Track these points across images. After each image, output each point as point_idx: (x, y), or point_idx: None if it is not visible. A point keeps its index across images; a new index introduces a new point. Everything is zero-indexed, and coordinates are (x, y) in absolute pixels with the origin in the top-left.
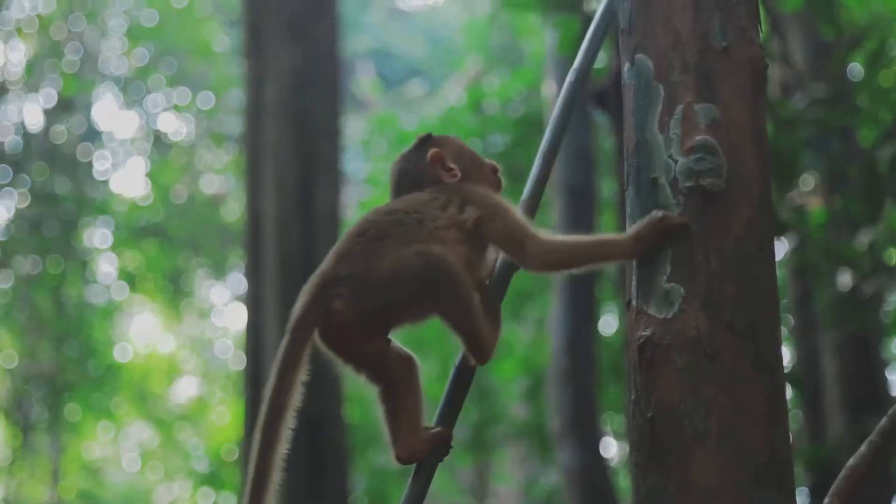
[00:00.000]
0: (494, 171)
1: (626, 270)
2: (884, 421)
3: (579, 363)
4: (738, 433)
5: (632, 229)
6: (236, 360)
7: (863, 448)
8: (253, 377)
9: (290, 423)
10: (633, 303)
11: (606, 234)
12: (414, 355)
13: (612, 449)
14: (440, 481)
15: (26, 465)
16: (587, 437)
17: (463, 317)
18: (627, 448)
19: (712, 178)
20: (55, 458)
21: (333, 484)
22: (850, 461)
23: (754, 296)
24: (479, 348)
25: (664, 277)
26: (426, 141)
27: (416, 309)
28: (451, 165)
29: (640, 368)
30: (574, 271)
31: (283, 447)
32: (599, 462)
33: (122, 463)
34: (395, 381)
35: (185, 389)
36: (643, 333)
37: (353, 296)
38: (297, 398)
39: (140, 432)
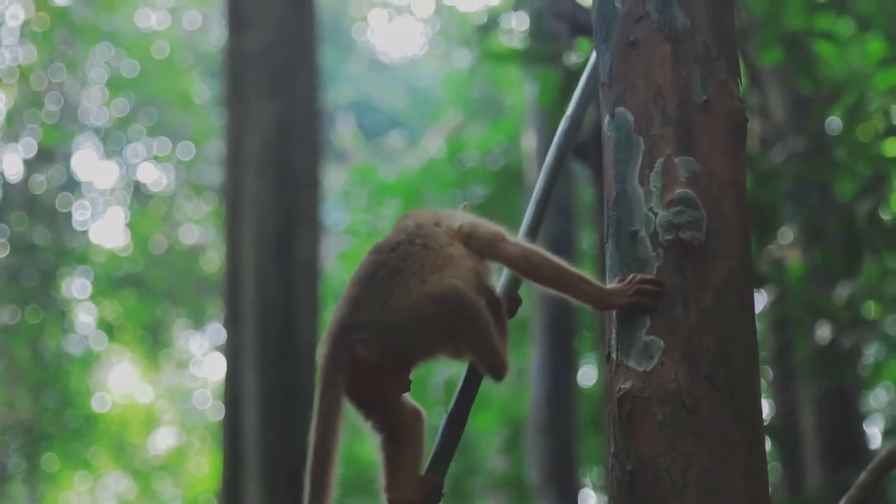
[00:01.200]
0: None
1: (606, 323)
2: (863, 475)
3: (558, 415)
4: (717, 485)
5: (612, 284)
6: (215, 411)
7: (852, 490)
8: (231, 427)
9: (335, 468)
10: (613, 355)
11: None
12: (422, 409)
13: (590, 501)
14: None
15: None
16: (566, 489)
17: (482, 341)
18: (606, 500)
19: (692, 230)
20: None
21: None
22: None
23: (734, 348)
24: (497, 365)
25: (644, 330)
26: None
27: (440, 344)
28: None
29: (619, 421)
30: (544, 284)
31: (332, 493)
32: None
33: None
34: (402, 429)
35: (164, 440)
36: (623, 386)
37: (377, 340)
38: (339, 445)
39: (118, 482)
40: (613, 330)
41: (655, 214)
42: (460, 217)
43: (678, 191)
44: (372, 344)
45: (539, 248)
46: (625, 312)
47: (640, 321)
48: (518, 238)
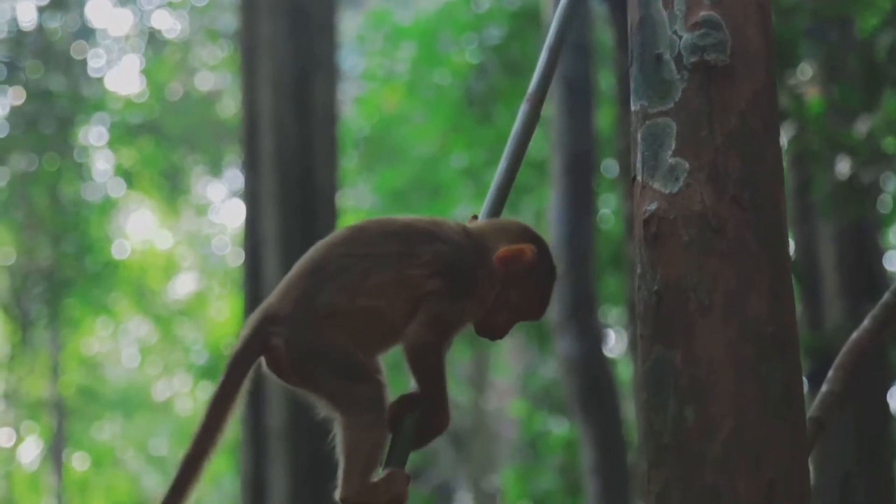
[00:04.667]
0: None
1: (630, 146)
2: (887, 295)
3: (578, 254)
4: (743, 306)
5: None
6: (234, 256)
7: (866, 322)
8: (252, 272)
9: (211, 457)
10: (639, 178)
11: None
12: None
13: (610, 340)
14: None
15: (26, 360)
16: (586, 328)
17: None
18: (626, 339)
19: (716, 53)
20: (54, 353)
21: None
22: (853, 335)
23: (759, 170)
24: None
25: (669, 152)
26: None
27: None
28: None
29: (645, 243)
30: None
31: (197, 483)
32: (598, 352)
33: (121, 358)
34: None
35: (183, 285)
36: (648, 208)
37: (289, 342)
38: (223, 434)
39: (139, 328)
40: (639, 152)
41: (680, 37)
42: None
43: (702, 13)
44: (285, 342)
45: (433, 356)
46: (650, 134)
47: (665, 144)
48: (437, 342)
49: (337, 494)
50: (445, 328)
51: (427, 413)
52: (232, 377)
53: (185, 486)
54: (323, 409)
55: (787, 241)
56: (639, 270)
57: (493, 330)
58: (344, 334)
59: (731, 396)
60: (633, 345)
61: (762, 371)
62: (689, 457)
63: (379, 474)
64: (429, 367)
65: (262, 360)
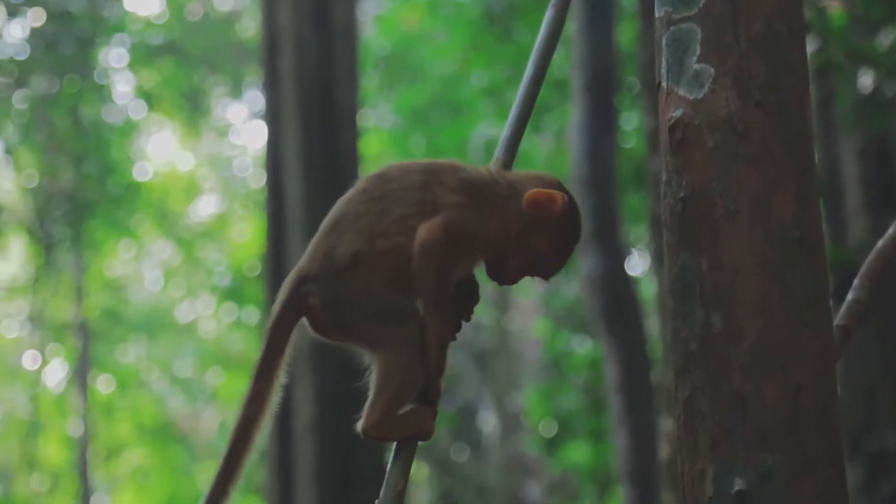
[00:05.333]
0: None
1: (655, 53)
2: None
3: (600, 171)
4: (768, 211)
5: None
6: (255, 177)
7: (891, 230)
8: (274, 192)
9: (264, 427)
10: (664, 84)
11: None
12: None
13: (633, 259)
14: None
15: (50, 283)
16: (609, 246)
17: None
18: (649, 257)
19: None
20: (78, 276)
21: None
22: (879, 244)
23: (784, 74)
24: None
25: (694, 58)
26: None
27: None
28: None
29: (670, 149)
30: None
31: (250, 452)
32: (621, 269)
33: (144, 281)
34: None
35: (206, 207)
36: (673, 114)
37: (323, 300)
38: (274, 401)
39: (162, 249)
40: (663, 59)
41: None
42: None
43: None
44: (321, 300)
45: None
46: (675, 40)
47: (690, 49)
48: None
49: (359, 426)
50: (458, 232)
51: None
52: (275, 342)
53: (240, 454)
54: (368, 358)
55: (813, 146)
56: (664, 177)
57: (504, 273)
58: (374, 279)
59: (756, 302)
60: (657, 259)
61: (788, 276)
62: (716, 363)
63: (404, 408)
64: (430, 266)
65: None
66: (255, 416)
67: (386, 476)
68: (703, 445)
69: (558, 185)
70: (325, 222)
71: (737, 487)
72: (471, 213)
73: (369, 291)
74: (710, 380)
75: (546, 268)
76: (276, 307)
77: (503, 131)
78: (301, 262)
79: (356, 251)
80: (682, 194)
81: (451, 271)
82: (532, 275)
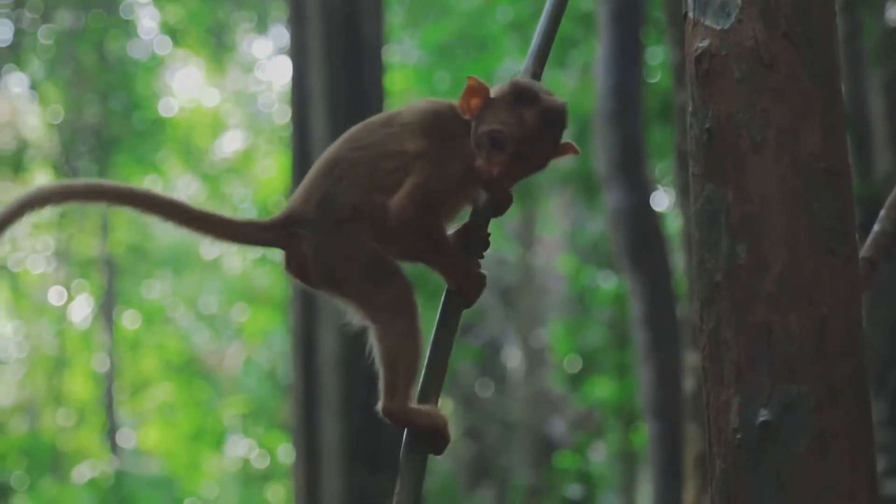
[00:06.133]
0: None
1: None
2: None
3: (626, 106)
4: (795, 141)
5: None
6: (280, 113)
7: None
8: (299, 128)
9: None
10: (690, 15)
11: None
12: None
13: (658, 195)
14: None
15: (75, 218)
16: (634, 180)
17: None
18: (674, 193)
19: None
20: (103, 211)
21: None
22: None
23: (811, 6)
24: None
25: None
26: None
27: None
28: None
29: (697, 80)
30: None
31: None
32: (646, 204)
33: None
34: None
35: (231, 143)
36: (700, 45)
37: (318, 248)
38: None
39: (187, 185)
40: None
41: None
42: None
43: None
44: (312, 247)
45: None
46: None
47: None
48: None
49: (379, 405)
50: (428, 198)
51: (452, 284)
52: (242, 234)
53: None
54: (354, 315)
55: (840, 77)
56: (690, 108)
57: (491, 181)
58: (368, 234)
59: (782, 233)
60: (682, 193)
61: (814, 206)
62: (741, 294)
63: (422, 405)
64: (420, 239)
65: (284, 260)
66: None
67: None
68: (728, 376)
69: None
70: (320, 164)
71: (761, 418)
72: (435, 164)
73: (365, 247)
74: (735, 311)
75: (502, 136)
76: (264, 221)
77: (524, 63)
78: (293, 199)
79: (356, 203)
80: (708, 125)
81: (438, 223)
82: (521, 171)
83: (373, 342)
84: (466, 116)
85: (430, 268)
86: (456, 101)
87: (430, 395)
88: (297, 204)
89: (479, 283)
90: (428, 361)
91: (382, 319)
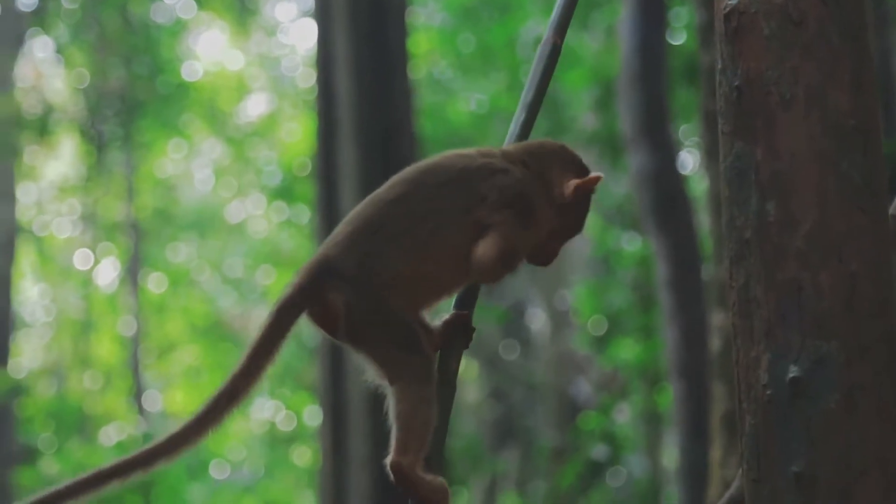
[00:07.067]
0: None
1: None
2: None
3: (650, 67)
4: (824, 99)
5: None
6: (305, 77)
7: None
8: (323, 92)
9: (244, 399)
10: None
11: None
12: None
13: (682, 157)
14: None
15: (101, 182)
16: (659, 141)
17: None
18: (698, 155)
19: None
20: (129, 175)
21: None
22: None
23: None
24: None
25: None
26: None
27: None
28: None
29: (726, 37)
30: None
31: (219, 423)
32: (672, 164)
33: (194, 180)
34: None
35: (255, 106)
36: (729, 2)
37: (353, 304)
38: (259, 385)
39: (212, 149)
40: None
41: None
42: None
43: None
44: (347, 300)
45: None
46: None
47: None
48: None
49: (388, 460)
50: (516, 253)
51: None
52: (279, 324)
53: (212, 419)
54: (373, 373)
55: (869, 35)
56: (719, 66)
57: (546, 256)
58: (405, 300)
59: (812, 190)
60: (708, 154)
61: (844, 163)
62: (771, 251)
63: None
64: (490, 286)
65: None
66: (238, 392)
67: None
68: (757, 333)
69: (577, 158)
70: (361, 219)
71: (791, 374)
72: (518, 230)
73: (400, 314)
74: (765, 267)
75: (578, 231)
76: (292, 289)
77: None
78: (330, 248)
79: (401, 269)
80: (737, 83)
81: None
82: (568, 240)
83: (390, 401)
84: (570, 200)
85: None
86: (531, 164)
87: (434, 458)
88: (335, 254)
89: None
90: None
91: (403, 384)
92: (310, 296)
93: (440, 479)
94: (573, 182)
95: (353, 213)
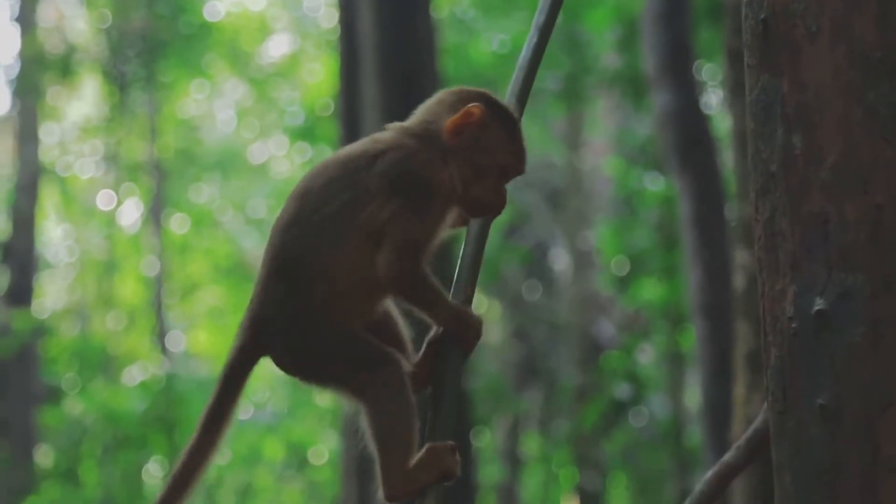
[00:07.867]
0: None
1: None
2: None
3: (674, 6)
4: (850, 30)
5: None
6: (327, 17)
7: None
8: (346, 32)
9: (203, 472)
10: None
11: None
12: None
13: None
14: (533, 132)
15: (124, 123)
16: (682, 80)
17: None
18: (722, 93)
19: None
20: (152, 115)
21: None
22: None
23: None
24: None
25: None
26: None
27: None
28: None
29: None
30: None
31: (188, 494)
32: (695, 103)
33: (217, 121)
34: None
35: (277, 47)
36: None
37: (289, 347)
38: (218, 449)
39: (234, 90)
40: None
41: None
42: (405, 204)
43: None
44: (284, 350)
45: (416, 275)
46: None
47: None
48: (418, 262)
49: (380, 495)
50: (418, 249)
51: (450, 332)
52: (228, 389)
53: (176, 497)
54: (345, 401)
55: None
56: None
57: (484, 205)
58: (338, 318)
59: (838, 122)
60: (732, 92)
61: (870, 95)
62: (797, 183)
63: (418, 452)
64: (418, 293)
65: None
66: (194, 469)
67: None
68: (783, 265)
69: (459, 95)
70: (270, 253)
71: (817, 307)
72: (416, 216)
73: (339, 334)
74: (790, 200)
75: (514, 167)
76: (232, 353)
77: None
78: (253, 302)
79: (320, 295)
80: (763, 16)
81: (427, 273)
82: (506, 180)
83: (363, 423)
84: (454, 141)
85: (425, 316)
86: (415, 127)
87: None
88: (258, 311)
89: (477, 328)
90: (432, 421)
91: (369, 401)
92: (250, 355)
93: (431, 446)
94: (446, 122)
95: (265, 247)
